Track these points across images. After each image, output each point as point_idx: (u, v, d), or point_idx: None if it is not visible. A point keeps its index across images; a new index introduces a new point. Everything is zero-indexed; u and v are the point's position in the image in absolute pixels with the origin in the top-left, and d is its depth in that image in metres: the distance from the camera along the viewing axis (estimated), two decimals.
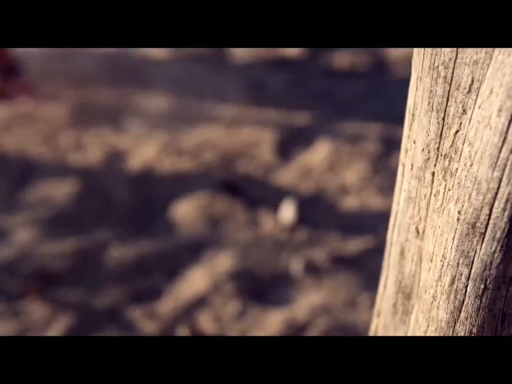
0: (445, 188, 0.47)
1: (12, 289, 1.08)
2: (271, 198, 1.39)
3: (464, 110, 0.44)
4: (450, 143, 0.46)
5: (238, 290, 1.09)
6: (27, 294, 1.06)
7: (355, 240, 1.24)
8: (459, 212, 0.45)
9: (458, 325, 0.48)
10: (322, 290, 1.10)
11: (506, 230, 0.43)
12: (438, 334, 0.50)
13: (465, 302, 0.47)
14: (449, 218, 0.46)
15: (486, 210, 0.43)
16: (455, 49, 0.44)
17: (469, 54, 0.43)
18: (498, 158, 0.42)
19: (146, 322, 1.02)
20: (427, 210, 0.50)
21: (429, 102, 0.47)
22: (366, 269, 1.16)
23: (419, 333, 0.52)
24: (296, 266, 1.16)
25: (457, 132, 0.45)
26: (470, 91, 0.43)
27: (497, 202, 0.42)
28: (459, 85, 0.44)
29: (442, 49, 0.45)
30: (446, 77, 0.45)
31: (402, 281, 0.55)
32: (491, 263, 0.44)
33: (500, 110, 0.41)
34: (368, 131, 1.63)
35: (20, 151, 1.52)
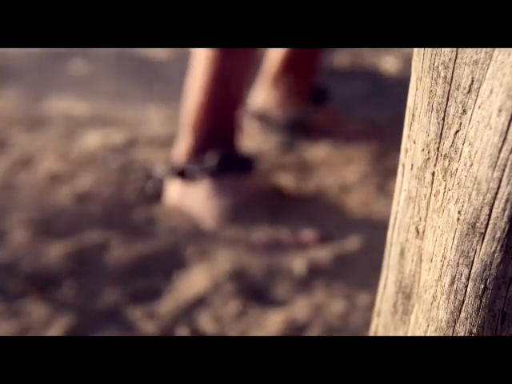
0: (445, 188, 0.47)
1: (12, 289, 1.08)
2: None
3: (464, 110, 0.44)
4: (450, 143, 0.46)
5: (238, 290, 1.09)
6: (27, 293, 1.07)
7: (355, 239, 1.24)
8: (459, 212, 0.45)
9: (457, 325, 0.48)
10: (323, 290, 1.10)
11: (506, 230, 0.43)
12: (437, 334, 0.50)
13: (465, 302, 0.47)
14: (449, 217, 0.46)
15: (485, 210, 0.43)
16: (455, 49, 0.44)
17: (469, 54, 0.43)
18: (498, 157, 0.42)
19: (146, 322, 1.02)
20: (427, 209, 0.50)
21: (429, 102, 0.47)
22: (366, 268, 1.16)
23: (419, 333, 0.52)
24: (297, 265, 1.16)
25: (457, 132, 0.45)
26: (470, 91, 0.43)
27: (497, 202, 0.42)
28: (459, 85, 0.44)
29: (442, 49, 0.45)
30: (446, 77, 0.45)
31: (402, 281, 0.55)
32: (491, 263, 0.44)
33: (500, 110, 0.41)
34: (368, 131, 1.63)
35: None
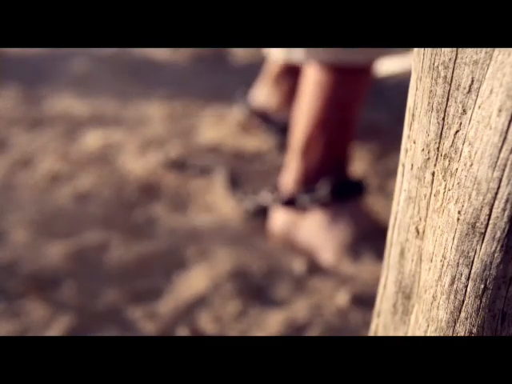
0: (445, 188, 0.47)
1: (12, 289, 1.08)
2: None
3: (464, 110, 0.44)
4: (450, 143, 0.46)
5: (238, 290, 1.09)
6: (27, 293, 1.07)
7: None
8: (459, 212, 0.45)
9: (457, 325, 0.48)
10: (323, 290, 1.10)
11: (506, 230, 0.43)
12: (437, 334, 0.50)
13: (465, 302, 0.47)
14: (449, 217, 0.46)
15: (486, 210, 0.43)
16: (455, 49, 0.44)
17: (469, 54, 0.43)
18: (498, 157, 0.42)
19: (146, 322, 1.02)
20: (427, 209, 0.50)
21: (429, 102, 0.47)
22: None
23: (419, 333, 0.52)
24: (297, 265, 1.16)
25: (457, 132, 0.45)
26: (470, 91, 0.43)
27: (497, 202, 0.42)
28: (459, 85, 0.44)
29: (442, 49, 0.45)
30: (446, 77, 0.45)
31: (402, 281, 0.55)
32: (491, 263, 0.44)
33: (500, 110, 0.41)
34: (367, 131, 1.63)
35: None
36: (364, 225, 1.19)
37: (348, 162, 1.24)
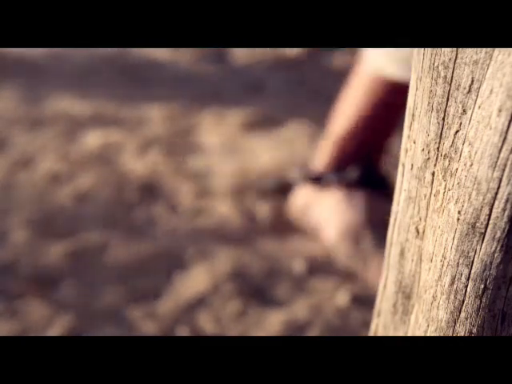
0: (445, 188, 0.47)
1: (12, 289, 1.08)
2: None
3: (464, 110, 0.44)
4: (450, 143, 0.46)
5: (238, 290, 1.09)
6: (27, 293, 1.06)
7: None
8: (459, 212, 0.45)
9: (457, 325, 0.48)
10: (323, 290, 1.10)
11: (506, 230, 0.43)
12: (437, 334, 0.50)
13: (465, 302, 0.47)
14: (449, 217, 0.46)
15: (486, 210, 0.43)
16: (455, 49, 0.44)
17: (469, 54, 0.43)
18: (498, 157, 0.42)
19: (146, 322, 1.02)
20: (427, 209, 0.50)
21: (429, 102, 0.47)
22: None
23: (419, 333, 0.52)
24: (297, 265, 1.16)
25: (457, 132, 0.45)
26: (470, 91, 0.43)
27: (497, 202, 0.42)
28: (459, 85, 0.44)
29: (442, 49, 0.45)
30: (446, 77, 0.45)
31: (402, 281, 0.55)
32: (491, 263, 0.44)
33: (500, 110, 0.41)
34: None
35: None
36: (375, 214, 1.20)
37: (380, 157, 1.27)
